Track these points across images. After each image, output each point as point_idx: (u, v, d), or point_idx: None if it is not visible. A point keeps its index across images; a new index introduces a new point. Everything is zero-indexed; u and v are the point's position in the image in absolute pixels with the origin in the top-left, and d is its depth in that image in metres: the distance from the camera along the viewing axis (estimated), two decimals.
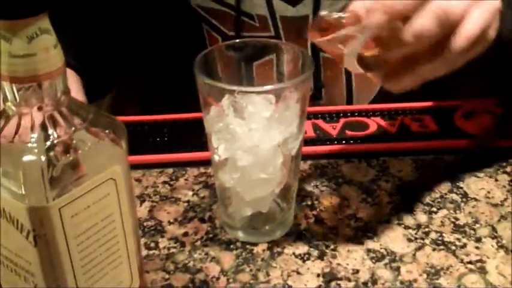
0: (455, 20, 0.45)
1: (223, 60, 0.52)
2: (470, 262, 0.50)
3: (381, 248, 0.52)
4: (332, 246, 0.52)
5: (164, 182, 0.60)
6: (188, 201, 0.58)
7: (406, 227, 0.54)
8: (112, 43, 0.76)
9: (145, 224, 0.55)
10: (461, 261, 0.51)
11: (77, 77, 0.67)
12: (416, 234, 0.53)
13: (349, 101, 0.77)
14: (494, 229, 0.54)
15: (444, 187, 0.59)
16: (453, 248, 0.52)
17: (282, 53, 0.53)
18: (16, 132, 0.36)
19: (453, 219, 0.55)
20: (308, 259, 0.51)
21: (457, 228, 0.54)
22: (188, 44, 0.73)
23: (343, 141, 0.65)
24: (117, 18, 0.75)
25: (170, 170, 0.62)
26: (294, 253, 0.52)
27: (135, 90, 0.84)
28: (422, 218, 0.55)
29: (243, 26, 0.72)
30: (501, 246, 0.52)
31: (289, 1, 0.70)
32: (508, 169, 0.61)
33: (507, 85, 0.70)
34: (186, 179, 0.61)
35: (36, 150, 0.35)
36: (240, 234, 0.53)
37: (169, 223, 0.55)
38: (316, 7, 0.70)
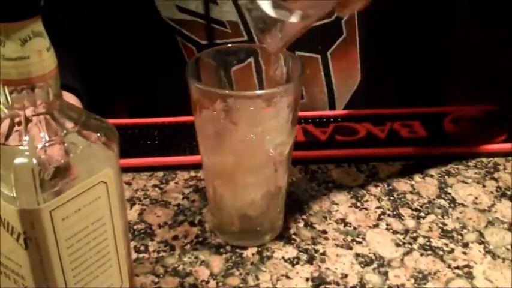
0: None
1: (208, 67, 0.52)
2: (457, 267, 0.51)
3: (370, 253, 0.52)
4: (321, 251, 0.53)
5: (154, 186, 0.61)
6: (178, 205, 0.58)
7: (395, 232, 0.55)
8: (98, 51, 0.77)
9: (135, 227, 0.55)
10: (449, 266, 0.51)
11: (78, 101, 0.67)
12: (404, 239, 0.54)
13: (331, 98, 0.77)
14: (481, 234, 0.54)
15: (432, 192, 0.59)
16: (441, 253, 0.52)
17: (270, 57, 0.53)
18: (8, 135, 0.36)
19: (441, 225, 0.55)
20: (297, 263, 0.51)
21: (445, 234, 0.54)
22: (166, 55, 0.74)
23: (333, 146, 0.65)
24: (100, 27, 0.75)
25: (160, 174, 0.62)
26: (283, 257, 0.52)
27: (125, 93, 0.84)
28: (410, 223, 0.56)
29: (215, 33, 0.72)
30: (488, 252, 0.52)
31: None
32: (496, 175, 0.62)
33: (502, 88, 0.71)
34: (176, 183, 0.61)
35: (27, 153, 0.35)
36: (230, 238, 0.54)
37: (159, 226, 0.55)
38: None
